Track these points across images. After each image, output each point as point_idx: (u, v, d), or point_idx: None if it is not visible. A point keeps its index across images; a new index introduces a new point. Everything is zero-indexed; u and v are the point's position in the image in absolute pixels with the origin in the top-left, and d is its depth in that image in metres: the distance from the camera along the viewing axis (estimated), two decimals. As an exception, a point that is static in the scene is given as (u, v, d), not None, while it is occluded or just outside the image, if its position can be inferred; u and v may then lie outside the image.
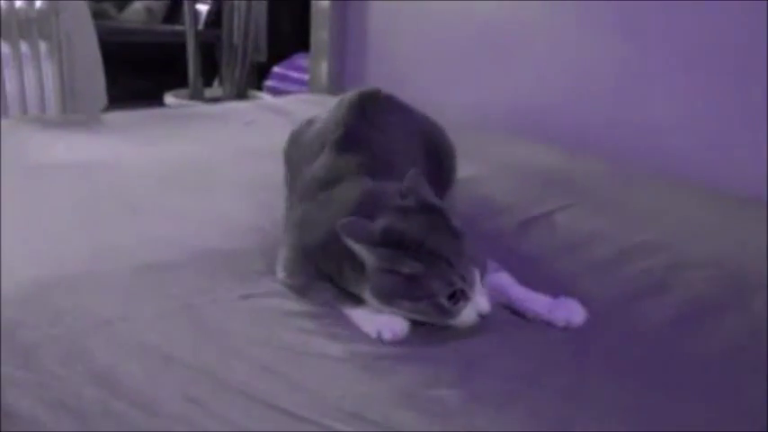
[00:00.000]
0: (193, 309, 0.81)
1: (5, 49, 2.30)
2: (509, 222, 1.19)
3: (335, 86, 2.56)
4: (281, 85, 3.30)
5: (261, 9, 3.47)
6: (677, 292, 0.96)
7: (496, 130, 1.86)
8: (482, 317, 0.81)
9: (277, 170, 1.31)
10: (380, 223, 0.81)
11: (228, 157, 1.48)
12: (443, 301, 0.78)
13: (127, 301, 0.82)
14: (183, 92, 3.24)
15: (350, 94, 1.16)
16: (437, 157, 1.17)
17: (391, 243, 0.79)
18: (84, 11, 2.47)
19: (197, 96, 3.21)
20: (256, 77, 3.49)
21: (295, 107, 2.12)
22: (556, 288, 0.96)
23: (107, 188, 1.22)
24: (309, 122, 1.18)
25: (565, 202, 1.29)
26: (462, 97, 2.08)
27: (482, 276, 0.83)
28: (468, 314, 0.80)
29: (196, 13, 3.37)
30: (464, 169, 1.30)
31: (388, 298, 0.81)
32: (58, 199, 1.16)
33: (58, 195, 1.17)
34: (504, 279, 0.91)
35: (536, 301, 0.88)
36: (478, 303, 0.80)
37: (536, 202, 1.28)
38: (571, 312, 0.87)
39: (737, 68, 1.50)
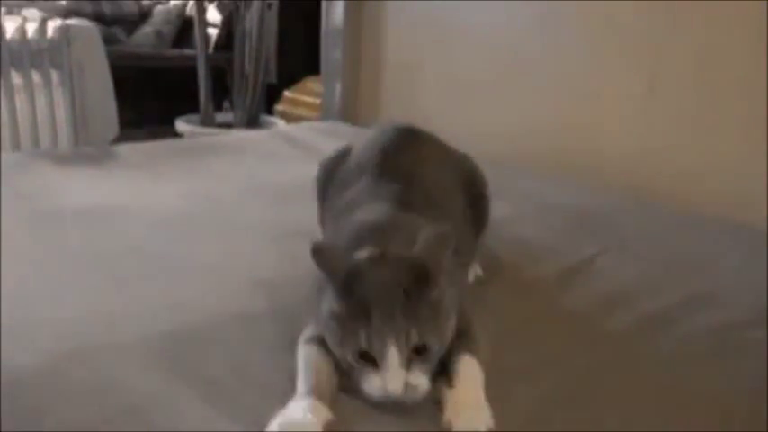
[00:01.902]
0: (225, 392, 0.74)
1: (17, 79, 2.27)
2: (550, 270, 1.13)
3: (348, 111, 2.51)
4: (292, 110, 3.26)
5: (271, 31, 3.44)
6: (743, 356, 0.90)
7: (510, 158, 1.83)
8: (394, 400, 0.69)
9: (298, 212, 1.26)
10: (350, 260, 0.75)
11: (247, 197, 1.43)
12: (349, 353, 0.71)
13: (153, 380, 0.75)
14: (194, 117, 3.20)
15: (387, 127, 1.13)
16: (473, 196, 1.12)
17: (344, 275, 0.73)
18: (96, 39, 2.44)
19: (208, 122, 3.17)
20: (266, 100, 3.45)
21: (310, 137, 2.08)
22: (605, 349, 0.90)
23: (124, 238, 1.16)
24: (344, 152, 1.14)
25: (603, 245, 1.23)
26: (475, 124, 2.06)
27: (432, 355, 0.72)
28: (372, 383, 0.70)
29: (206, 38, 3.33)
30: (496, 208, 1.24)
31: (321, 323, 0.75)
32: (74, 252, 1.10)
33: (74, 248, 1.11)
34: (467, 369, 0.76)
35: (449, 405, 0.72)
36: (388, 380, 0.69)
37: (574, 247, 1.22)
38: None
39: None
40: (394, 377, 0.69)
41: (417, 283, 0.72)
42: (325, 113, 2.60)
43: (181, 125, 3.14)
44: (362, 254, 0.76)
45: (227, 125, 3.19)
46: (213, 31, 3.72)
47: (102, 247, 1.11)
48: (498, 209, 1.24)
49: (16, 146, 2.28)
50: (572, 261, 1.16)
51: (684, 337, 0.95)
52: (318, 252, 0.74)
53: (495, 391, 0.74)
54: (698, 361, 0.90)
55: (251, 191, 1.47)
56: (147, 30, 4.03)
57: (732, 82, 1.51)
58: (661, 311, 1.01)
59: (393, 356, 0.69)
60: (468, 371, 0.75)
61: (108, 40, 2.81)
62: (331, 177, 1.11)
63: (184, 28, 3.98)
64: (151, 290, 0.97)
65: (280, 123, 3.17)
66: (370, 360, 0.70)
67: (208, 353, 0.82)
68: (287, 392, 0.72)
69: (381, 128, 1.14)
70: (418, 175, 1.02)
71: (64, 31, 2.30)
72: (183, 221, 1.27)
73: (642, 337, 0.95)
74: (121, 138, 2.40)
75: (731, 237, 1.36)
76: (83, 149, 2.06)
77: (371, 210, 0.92)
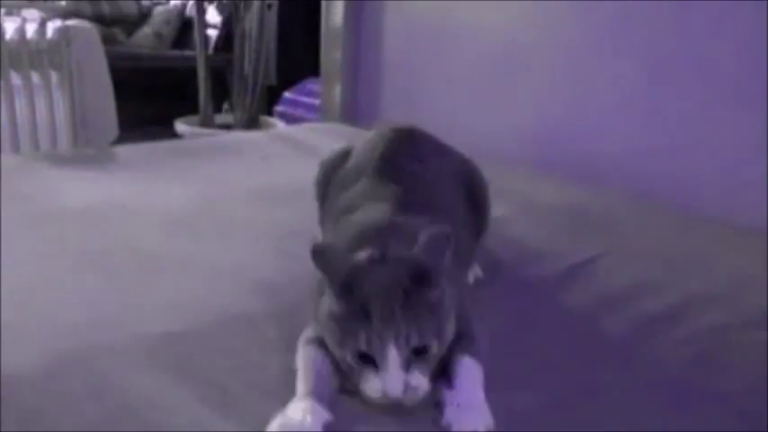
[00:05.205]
0: (224, 393, 0.74)
1: (16, 80, 2.27)
2: (550, 270, 1.13)
3: (348, 112, 2.51)
4: (292, 111, 3.26)
5: (270, 32, 3.44)
6: (743, 356, 0.89)
7: (510, 159, 1.84)
8: (394, 401, 0.69)
9: (297, 213, 1.26)
10: (350, 260, 0.75)
11: (247, 199, 1.42)
12: (348, 354, 0.71)
13: (152, 381, 0.75)
14: (194, 118, 3.20)
15: (386, 128, 1.13)
16: (474, 199, 1.12)
17: (344, 276, 0.72)
18: (95, 40, 2.44)
19: (208, 123, 3.17)
20: (266, 101, 3.45)
21: (309, 137, 2.08)
22: (605, 350, 0.90)
23: (123, 239, 1.15)
24: (344, 153, 1.14)
25: (603, 246, 1.23)
26: (475, 124, 2.06)
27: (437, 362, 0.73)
28: (371, 385, 0.70)
29: (206, 38, 3.33)
30: (495, 208, 1.24)
31: (320, 324, 0.75)
32: (73, 253, 1.09)
33: (73, 249, 1.11)
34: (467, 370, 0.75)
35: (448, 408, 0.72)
36: (387, 382, 0.69)
37: (574, 248, 1.22)
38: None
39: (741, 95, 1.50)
40: (393, 379, 0.69)
41: (417, 283, 0.72)
42: (324, 114, 2.60)
43: (180, 126, 3.14)
44: (362, 255, 0.76)
45: (227, 126, 3.19)
46: (213, 32, 3.72)
47: (102, 247, 1.11)
48: (498, 209, 1.25)
49: (16, 147, 2.27)
50: (572, 262, 1.16)
51: (685, 338, 0.94)
52: (318, 253, 0.74)
53: (495, 393, 0.74)
54: (698, 361, 0.90)
55: (250, 192, 1.46)
56: (146, 31, 4.03)
57: (732, 81, 1.51)
58: (661, 312, 1.01)
59: (393, 358, 0.69)
60: (468, 372, 0.75)
61: (107, 41, 2.81)
62: (331, 178, 1.11)
63: (184, 29, 3.98)
64: (150, 290, 0.97)
65: (279, 124, 3.17)
66: (370, 361, 0.70)
67: (207, 354, 0.82)
68: (286, 393, 0.72)
69: (382, 129, 1.13)
70: (418, 177, 1.01)
71: (63, 32, 2.30)
72: (182, 222, 1.26)
73: (642, 338, 0.94)
74: (121, 139, 2.40)
75: (731, 237, 1.36)
76: (82, 151, 2.06)
77: (371, 210, 0.92)
